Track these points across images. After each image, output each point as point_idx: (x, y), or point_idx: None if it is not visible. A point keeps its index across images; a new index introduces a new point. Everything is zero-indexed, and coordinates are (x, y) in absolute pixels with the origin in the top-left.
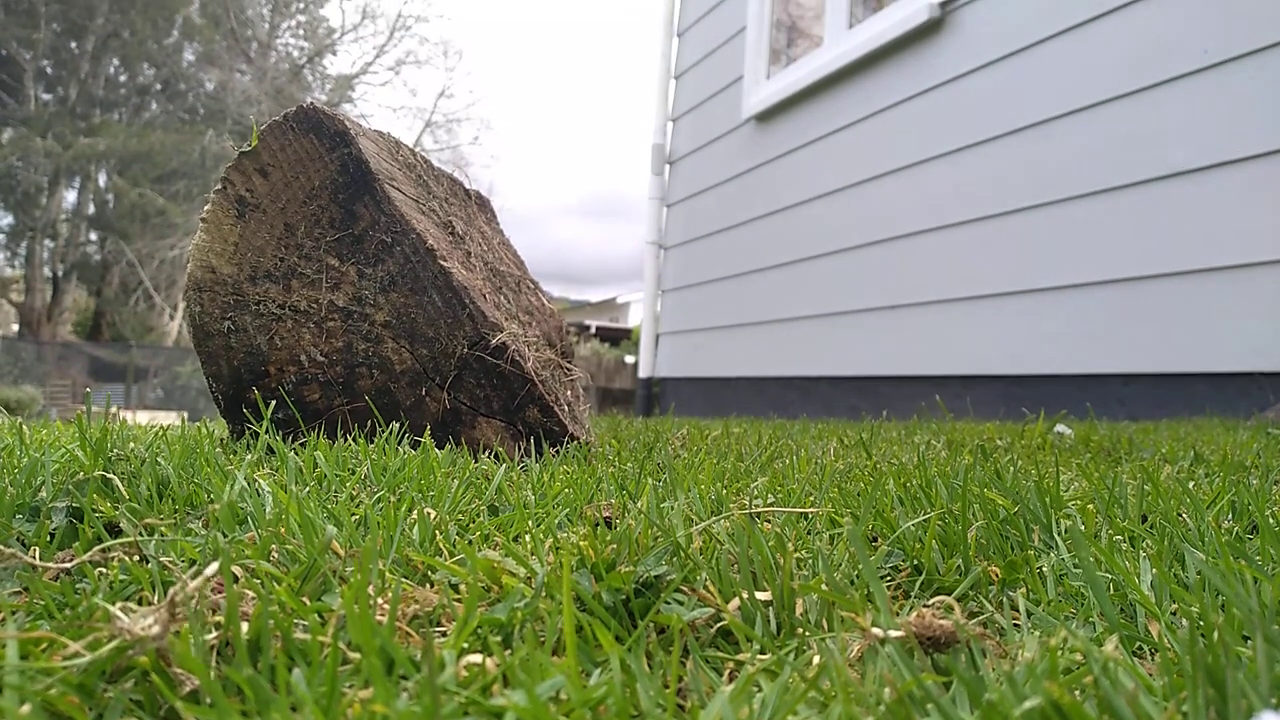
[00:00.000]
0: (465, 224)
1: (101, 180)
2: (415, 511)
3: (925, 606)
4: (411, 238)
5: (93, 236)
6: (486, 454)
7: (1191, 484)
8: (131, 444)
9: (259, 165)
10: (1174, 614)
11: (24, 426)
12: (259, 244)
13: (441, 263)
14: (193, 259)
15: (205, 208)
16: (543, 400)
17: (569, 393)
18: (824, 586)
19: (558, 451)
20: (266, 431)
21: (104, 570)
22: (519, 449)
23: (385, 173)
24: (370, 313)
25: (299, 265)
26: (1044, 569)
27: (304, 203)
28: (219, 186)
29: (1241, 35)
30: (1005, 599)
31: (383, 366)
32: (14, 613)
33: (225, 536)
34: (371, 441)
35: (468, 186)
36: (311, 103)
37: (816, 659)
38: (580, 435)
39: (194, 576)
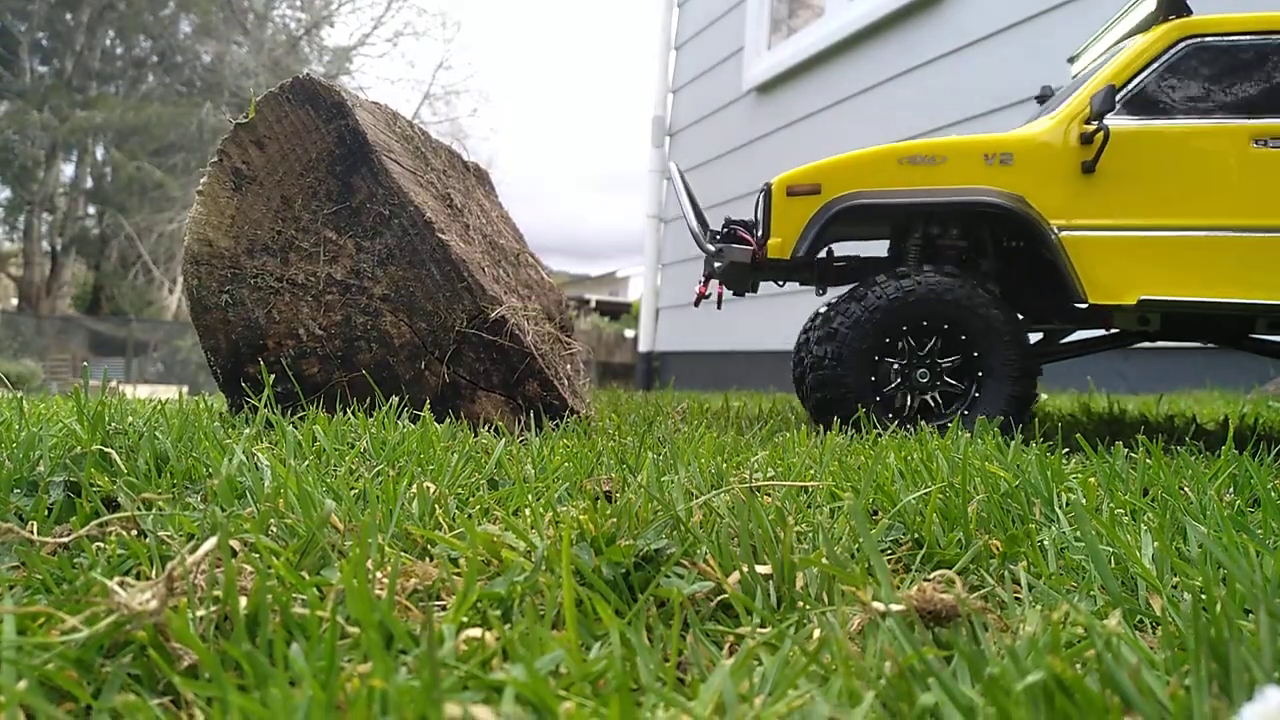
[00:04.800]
0: (464, 196)
1: (99, 153)
2: (414, 486)
3: (926, 580)
4: (410, 210)
5: (91, 210)
6: (487, 428)
7: (1193, 457)
8: (130, 418)
9: (255, 137)
10: (1176, 587)
11: (23, 401)
12: (256, 217)
13: (440, 235)
14: (189, 232)
15: (202, 180)
16: (542, 374)
17: (569, 366)
18: (824, 560)
19: (558, 426)
20: (265, 405)
21: (102, 545)
22: (519, 423)
23: (383, 144)
24: (369, 286)
25: (296, 238)
26: (1045, 542)
27: (301, 175)
28: (215, 159)
29: None
30: (1007, 573)
31: (381, 340)
32: (11, 587)
33: (224, 511)
34: (371, 416)
35: (466, 159)
36: (308, 74)
37: (817, 633)
38: (580, 409)
39: (192, 551)
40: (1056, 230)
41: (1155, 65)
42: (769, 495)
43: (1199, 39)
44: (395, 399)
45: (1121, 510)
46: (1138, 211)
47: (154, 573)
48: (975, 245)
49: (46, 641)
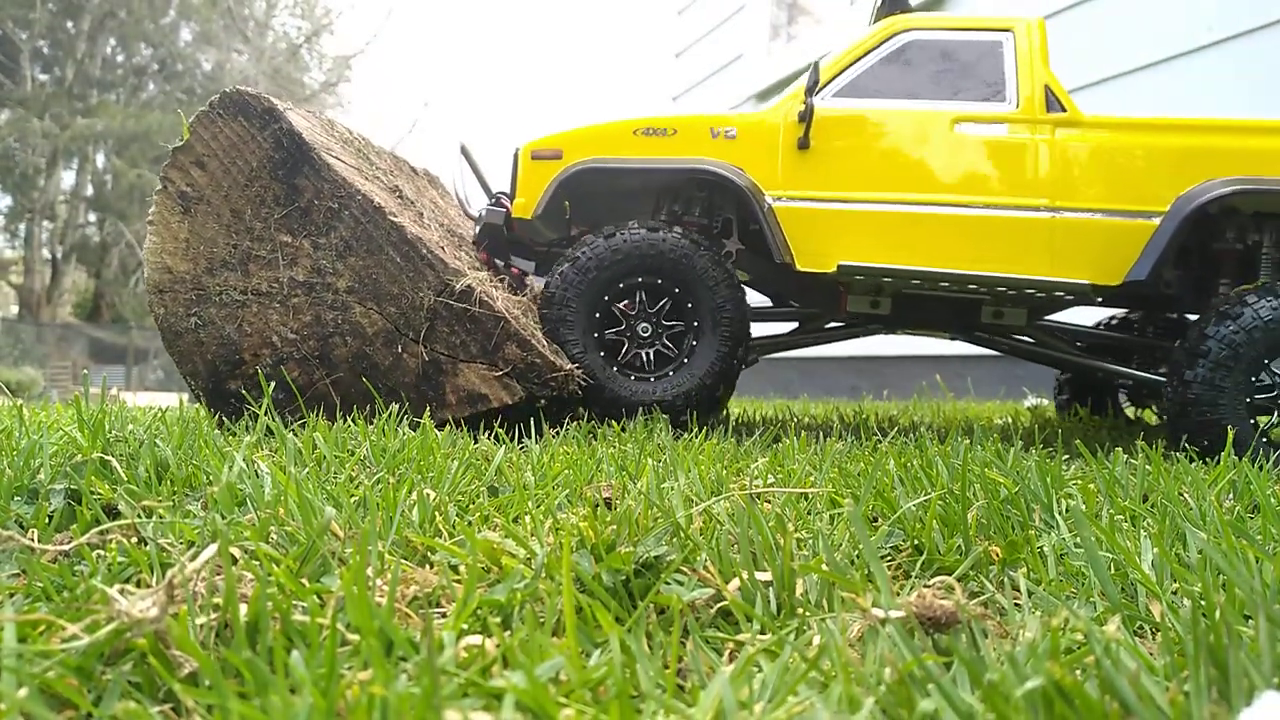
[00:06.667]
0: (416, 193)
1: (100, 161)
2: (415, 493)
3: (926, 586)
4: (358, 199)
5: (91, 217)
6: (479, 406)
7: (1193, 463)
8: (130, 426)
9: (195, 158)
10: (1175, 593)
11: (23, 408)
12: (209, 235)
13: (392, 219)
14: (147, 264)
15: (150, 210)
16: (519, 335)
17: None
18: (824, 567)
19: (558, 432)
20: (264, 413)
21: (102, 552)
22: (506, 388)
23: (321, 144)
24: (332, 281)
25: (253, 248)
26: (1045, 548)
27: (246, 186)
28: (159, 187)
29: (1243, 14)
30: (1006, 579)
31: (355, 332)
32: (12, 595)
33: (224, 518)
34: (364, 411)
35: (414, 165)
36: (235, 87)
37: (817, 639)
38: (564, 365)
39: (192, 559)
40: (770, 200)
41: (874, 54)
42: (769, 502)
43: (915, 33)
44: (395, 405)
45: (1121, 516)
46: (846, 185)
47: (154, 580)
48: (724, 227)
49: (47, 649)
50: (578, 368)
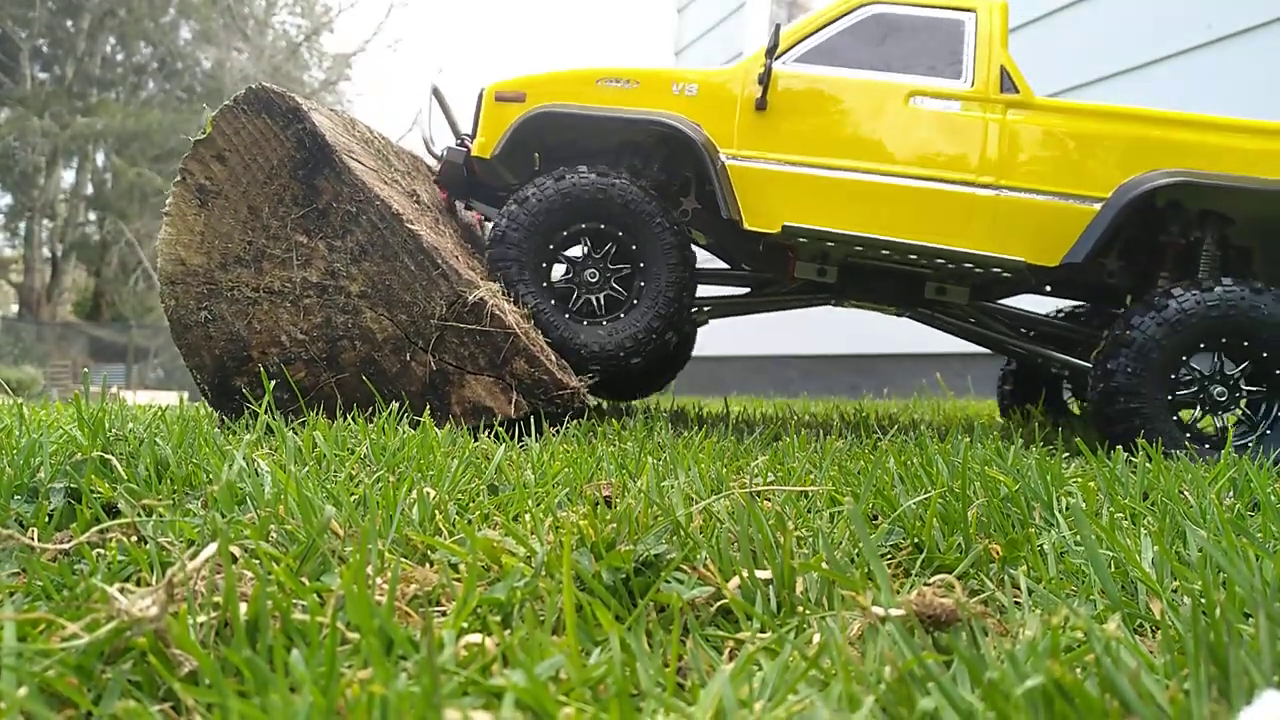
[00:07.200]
0: (431, 196)
1: (99, 160)
2: (415, 491)
3: (926, 585)
4: (376, 205)
5: (91, 216)
6: (482, 418)
7: (1193, 460)
8: (130, 424)
9: (215, 152)
10: (1175, 591)
11: (23, 407)
12: (225, 230)
13: (409, 226)
14: (161, 254)
15: (167, 201)
16: (528, 351)
17: None
18: (824, 565)
19: (558, 431)
20: (265, 411)
21: (102, 551)
22: (511, 402)
23: (343, 145)
24: (345, 285)
25: (268, 246)
26: (1045, 547)
27: (265, 183)
28: (178, 178)
29: (1243, 13)
30: (1006, 577)
31: (364, 337)
32: (12, 594)
33: (224, 517)
34: (363, 413)
35: (430, 163)
36: (260, 84)
37: (817, 638)
38: (571, 382)
39: (192, 557)
40: (724, 158)
41: (838, 23)
42: (769, 500)
43: (880, 6)
44: (385, 395)
45: (1121, 514)
46: (798, 148)
47: (154, 579)
48: (682, 185)
49: (47, 648)
50: (584, 382)
